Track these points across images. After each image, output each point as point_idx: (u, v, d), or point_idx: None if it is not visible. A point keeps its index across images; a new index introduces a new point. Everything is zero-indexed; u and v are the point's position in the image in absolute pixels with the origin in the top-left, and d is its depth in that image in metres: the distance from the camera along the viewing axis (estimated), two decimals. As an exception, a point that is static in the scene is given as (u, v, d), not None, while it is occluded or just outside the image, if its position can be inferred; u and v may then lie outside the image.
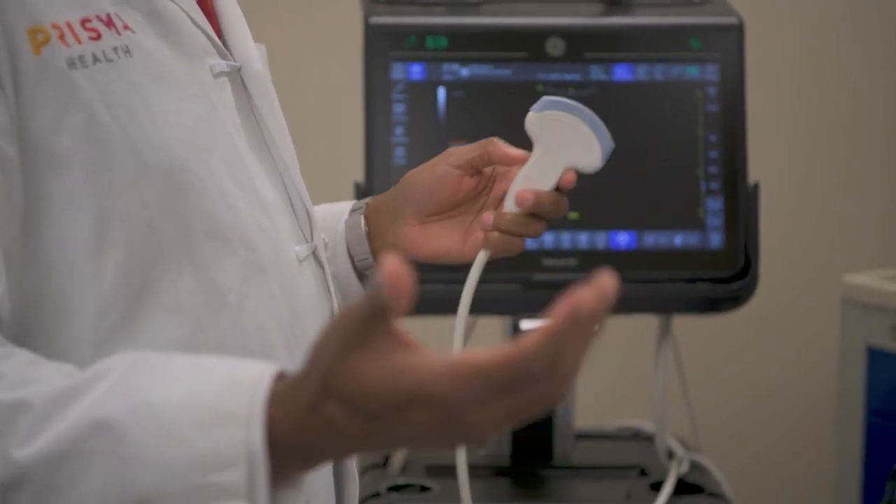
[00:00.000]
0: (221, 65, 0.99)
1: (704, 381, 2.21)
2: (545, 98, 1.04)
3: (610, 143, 1.04)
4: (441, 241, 1.10)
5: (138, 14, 0.94)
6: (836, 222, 2.56)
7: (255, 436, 0.73)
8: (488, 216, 1.08)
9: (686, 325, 1.90)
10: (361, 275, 1.14)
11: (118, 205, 0.90)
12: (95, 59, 0.91)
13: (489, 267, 1.59)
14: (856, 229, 2.56)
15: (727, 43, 1.61)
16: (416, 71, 1.60)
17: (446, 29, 1.59)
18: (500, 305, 1.63)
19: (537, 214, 1.07)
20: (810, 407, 2.54)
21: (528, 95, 1.60)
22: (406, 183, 1.13)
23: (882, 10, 2.55)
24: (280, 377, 0.75)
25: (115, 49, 0.92)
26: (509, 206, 1.06)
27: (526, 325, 1.64)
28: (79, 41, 0.90)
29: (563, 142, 1.03)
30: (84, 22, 0.91)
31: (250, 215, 0.97)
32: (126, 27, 0.93)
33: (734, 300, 1.60)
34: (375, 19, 1.61)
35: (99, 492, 0.75)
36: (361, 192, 1.59)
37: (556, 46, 1.61)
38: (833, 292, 2.31)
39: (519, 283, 1.58)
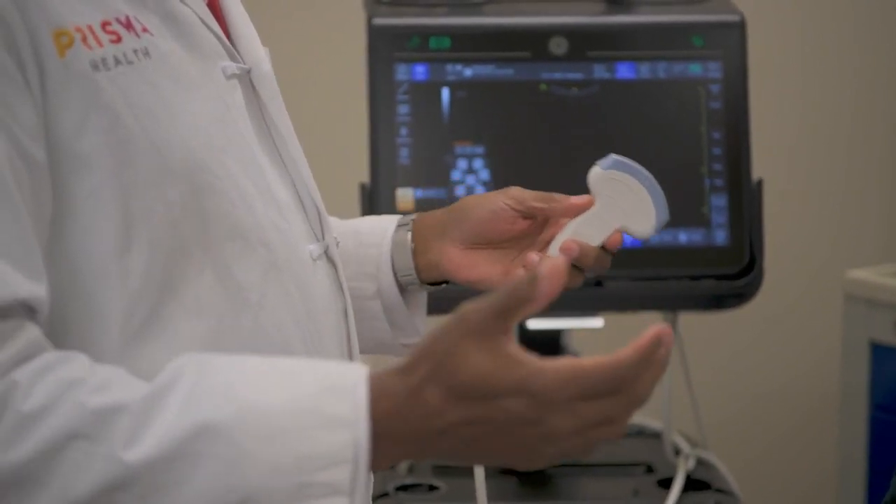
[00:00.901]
0: (232, 67, 1.00)
1: (709, 378, 2.21)
2: (613, 157, 1.07)
3: (666, 215, 1.07)
4: (483, 269, 1.11)
5: (155, 17, 0.95)
6: (838, 218, 2.56)
7: (361, 436, 0.78)
8: (533, 257, 1.09)
9: (690, 323, 1.90)
10: (403, 289, 1.15)
11: (141, 205, 0.90)
12: (117, 62, 0.91)
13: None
14: (858, 225, 2.57)
15: (729, 40, 1.62)
16: (420, 71, 1.60)
17: (449, 29, 1.60)
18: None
19: (579, 266, 1.08)
20: (814, 402, 2.54)
21: (531, 94, 1.61)
22: (461, 208, 1.13)
23: (884, 8, 2.56)
24: (372, 377, 0.80)
25: (134, 51, 0.92)
26: (554, 251, 1.08)
27: (533, 323, 1.65)
28: (100, 44, 0.91)
29: (622, 203, 1.05)
30: (104, 25, 0.91)
31: (266, 215, 0.98)
32: (144, 29, 0.93)
33: (739, 297, 1.61)
34: (378, 20, 1.61)
35: (204, 492, 0.78)
36: (366, 192, 1.59)
37: (559, 45, 1.61)
38: (836, 288, 2.32)
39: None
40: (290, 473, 0.78)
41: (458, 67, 1.60)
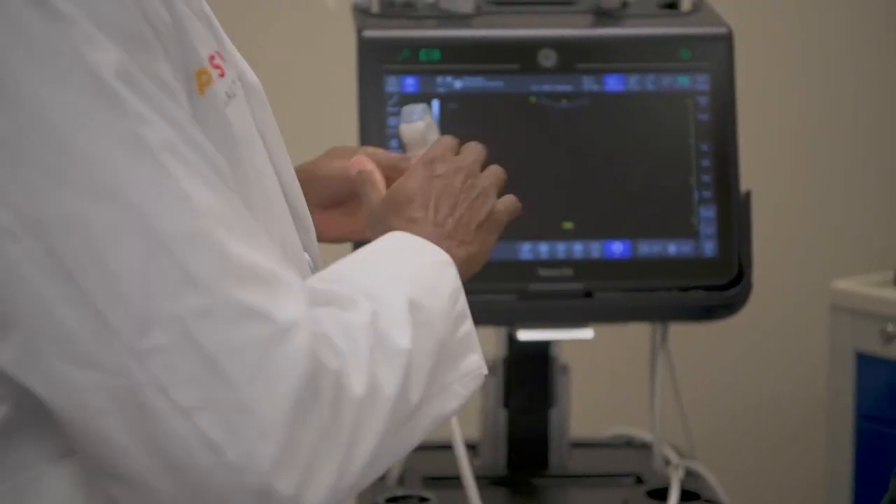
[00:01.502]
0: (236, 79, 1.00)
1: (695, 388, 2.22)
2: (410, 107, 1.17)
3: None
4: (341, 228, 1.23)
5: (216, 42, 0.94)
6: (824, 228, 2.58)
7: (454, 269, 1.01)
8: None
9: (679, 334, 1.91)
10: None
11: None
12: (228, 96, 0.92)
13: (485, 277, 1.60)
14: (844, 235, 2.58)
15: (717, 52, 1.63)
16: (410, 83, 1.61)
17: (439, 42, 1.60)
18: (495, 316, 1.64)
19: None
20: (802, 412, 2.55)
21: (521, 106, 1.61)
22: (314, 175, 1.22)
23: (872, 20, 2.57)
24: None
25: (233, 82, 0.93)
26: None
27: (523, 335, 1.65)
28: (213, 80, 0.91)
29: (432, 137, 1.16)
30: (211, 59, 0.92)
31: (292, 235, 1.01)
32: (225, 59, 0.93)
33: (728, 308, 1.61)
34: (368, 33, 1.62)
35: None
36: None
37: (547, 58, 1.62)
38: (822, 298, 2.33)
39: (515, 293, 1.59)
40: (449, 310, 0.96)
41: (448, 79, 1.61)
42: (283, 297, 0.84)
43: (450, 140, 1.10)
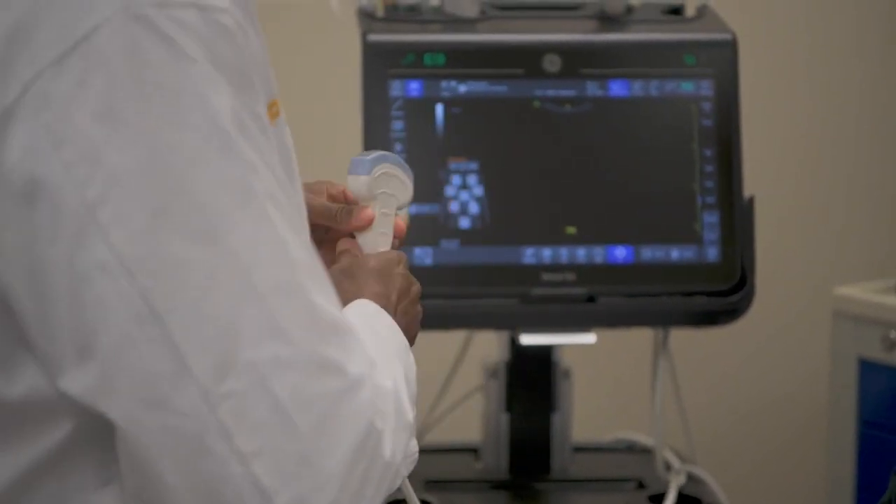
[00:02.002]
0: None
1: (698, 393, 2.22)
2: (359, 158, 1.11)
3: (412, 173, 1.13)
4: None
5: None
6: (827, 235, 2.58)
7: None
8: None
9: (680, 338, 1.91)
10: None
11: None
12: (283, 123, 0.91)
13: (488, 281, 1.60)
14: (847, 242, 2.58)
15: (721, 58, 1.63)
16: (414, 88, 1.61)
17: (444, 46, 1.61)
18: (498, 320, 1.64)
19: None
20: (804, 418, 2.55)
21: (525, 111, 1.62)
22: None
23: (875, 26, 2.57)
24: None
25: (279, 106, 0.92)
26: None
27: (526, 339, 1.65)
28: (279, 106, 0.90)
29: (390, 190, 1.11)
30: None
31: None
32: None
33: (731, 313, 1.62)
34: (373, 37, 1.62)
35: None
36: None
37: (552, 63, 1.62)
38: (825, 305, 2.33)
39: (517, 297, 1.59)
40: (413, 394, 0.96)
41: (453, 84, 1.61)
42: (354, 350, 0.86)
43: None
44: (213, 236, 0.81)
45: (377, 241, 1.09)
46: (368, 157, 1.10)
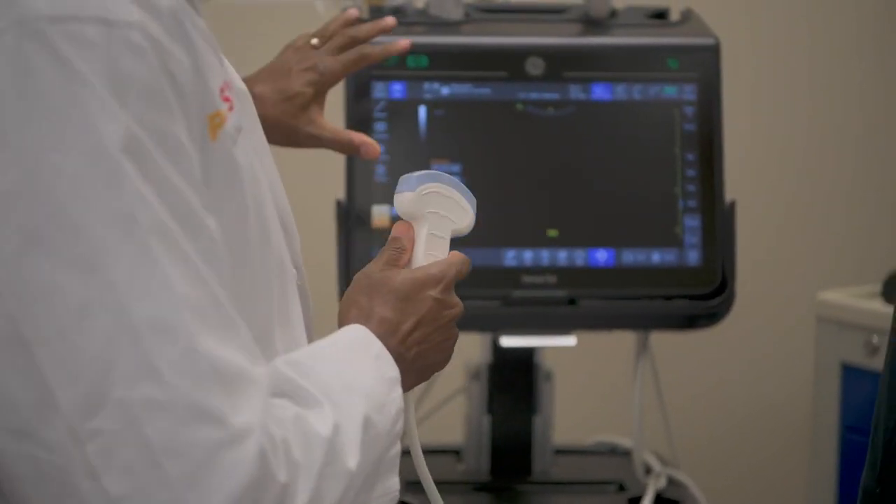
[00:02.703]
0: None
1: (682, 397, 2.23)
2: (408, 176, 1.04)
3: (473, 197, 1.07)
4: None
5: (222, 66, 0.90)
6: (810, 240, 2.58)
7: (401, 389, 0.97)
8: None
9: (663, 342, 1.91)
10: None
11: (249, 282, 0.89)
12: (237, 130, 0.89)
13: (469, 283, 1.60)
14: (830, 247, 2.59)
15: (704, 63, 1.63)
16: (398, 89, 1.61)
17: (427, 48, 1.61)
18: (480, 322, 1.64)
19: None
20: (786, 423, 2.56)
21: (508, 114, 1.62)
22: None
23: (858, 33, 2.58)
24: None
25: (238, 113, 0.89)
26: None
27: (507, 341, 1.66)
28: (226, 116, 0.87)
29: (442, 210, 1.05)
30: (222, 92, 0.88)
31: (282, 250, 0.98)
32: (233, 87, 0.90)
33: (711, 317, 1.62)
34: (357, 38, 1.62)
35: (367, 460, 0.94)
36: (343, 209, 1.60)
37: (535, 66, 1.63)
38: (808, 310, 2.33)
39: (499, 299, 1.60)
40: (390, 430, 0.95)
41: (436, 86, 1.61)
42: (242, 399, 0.81)
43: (465, 264, 1.05)
44: (90, 266, 0.78)
45: (431, 258, 1.03)
46: (416, 174, 1.04)
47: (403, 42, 1.43)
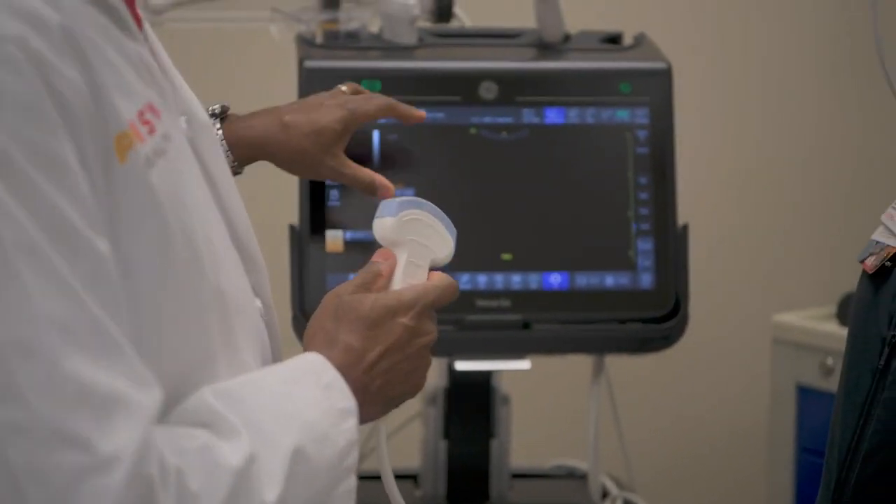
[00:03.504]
0: (182, 122, 0.95)
1: (638, 421, 2.23)
2: (388, 202, 1.03)
3: (454, 229, 1.05)
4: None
5: (152, 88, 0.89)
6: (766, 263, 2.60)
7: (356, 416, 0.95)
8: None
9: (619, 365, 1.92)
10: None
11: (174, 307, 0.86)
12: (157, 155, 0.86)
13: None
14: (786, 270, 2.60)
15: (656, 87, 1.64)
16: (351, 114, 1.61)
17: (381, 73, 1.61)
18: (435, 346, 1.63)
19: None
20: (743, 445, 2.57)
21: (461, 138, 1.62)
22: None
23: (809, 57, 2.60)
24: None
25: (162, 137, 0.87)
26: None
27: (461, 365, 1.65)
28: (143, 139, 0.85)
29: (422, 239, 1.03)
30: (141, 115, 0.86)
31: (238, 280, 0.96)
32: (159, 111, 0.88)
33: (664, 340, 1.62)
34: (310, 63, 1.62)
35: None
36: (296, 234, 1.59)
37: (489, 90, 1.63)
38: (764, 332, 2.35)
39: (453, 324, 1.59)
40: (337, 464, 0.92)
41: (389, 110, 1.61)
42: (114, 426, 0.78)
43: (447, 290, 1.02)
44: None
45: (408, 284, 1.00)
46: (396, 201, 1.02)
47: (422, 113, 1.51)
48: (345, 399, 0.94)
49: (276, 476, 0.86)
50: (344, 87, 1.48)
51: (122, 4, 0.89)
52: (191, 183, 0.91)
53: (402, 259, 1.02)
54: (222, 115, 1.42)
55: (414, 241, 1.02)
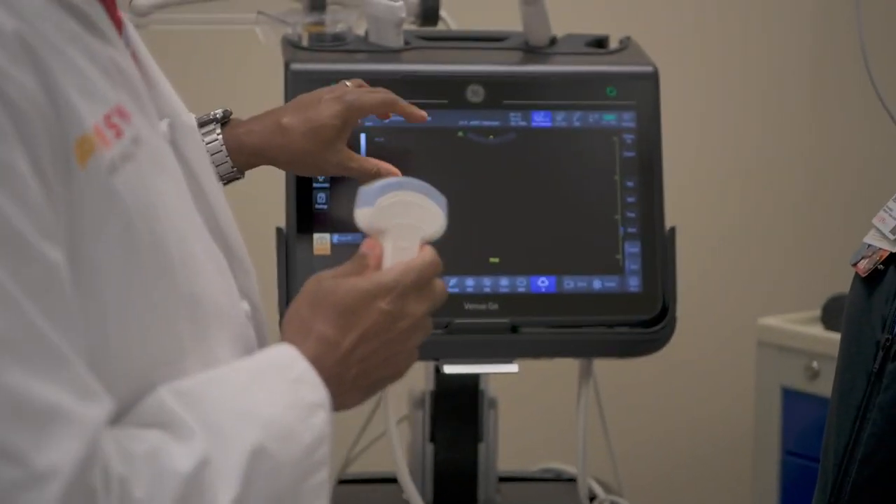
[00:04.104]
0: (164, 125, 0.96)
1: (625, 424, 2.23)
2: (365, 189, 0.99)
3: (443, 198, 1.02)
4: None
5: (125, 94, 0.89)
6: (751, 266, 2.60)
7: (328, 409, 0.93)
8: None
9: (606, 368, 1.92)
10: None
11: (142, 309, 0.86)
12: (123, 159, 0.86)
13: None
14: (771, 273, 2.61)
15: (643, 90, 1.64)
16: (338, 117, 1.60)
17: (367, 76, 1.61)
18: (422, 350, 1.62)
19: None
20: (729, 448, 2.57)
21: (448, 141, 1.62)
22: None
23: (796, 61, 2.61)
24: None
25: (131, 142, 0.87)
26: None
27: (449, 368, 1.65)
28: (108, 144, 0.84)
29: (409, 219, 0.99)
30: (107, 118, 0.85)
31: (220, 283, 0.96)
32: (129, 114, 0.87)
33: (652, 343, 1.62)
34: (297, 66, 1.62)
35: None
36: (283, 237, 1.59)
37: (475, 93, 1.63)
38: (749, 335, 2.35)
39: (440, 327, 1.59)
40: (303, 459, 0.91)
41: (376, 113, 1.61)
42: (52, 438, 0.77)
43: (429, 268, 0.98)
44: None
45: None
46: (374, 186, 0.98)
47: (423, 113, 1.52)
48: (314, 392, 0.92)
49: (232, 477, 0.85)
50: (349, 83, 1.48)
51: (97, 8, 0.88)
52: (165, 186, 0.90)
53: (388, 245, 0.98)
54: (224, 120, 1.41)
55: (398, 224, 0.98)
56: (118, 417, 0.84)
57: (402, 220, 0.99)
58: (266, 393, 0.90)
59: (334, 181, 1.59)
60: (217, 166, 1.41)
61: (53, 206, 0.81)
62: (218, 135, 1.39)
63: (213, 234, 1.00)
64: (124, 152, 0.86)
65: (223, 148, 1.39)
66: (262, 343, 1.03)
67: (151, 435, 0.84)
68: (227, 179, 1.45)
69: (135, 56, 0.98)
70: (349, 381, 0.96)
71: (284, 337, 0.96)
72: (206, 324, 0.92)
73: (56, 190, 0.81)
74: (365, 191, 0.99)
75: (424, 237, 1.00)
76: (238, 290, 1.01)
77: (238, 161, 1.41)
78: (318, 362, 0.94)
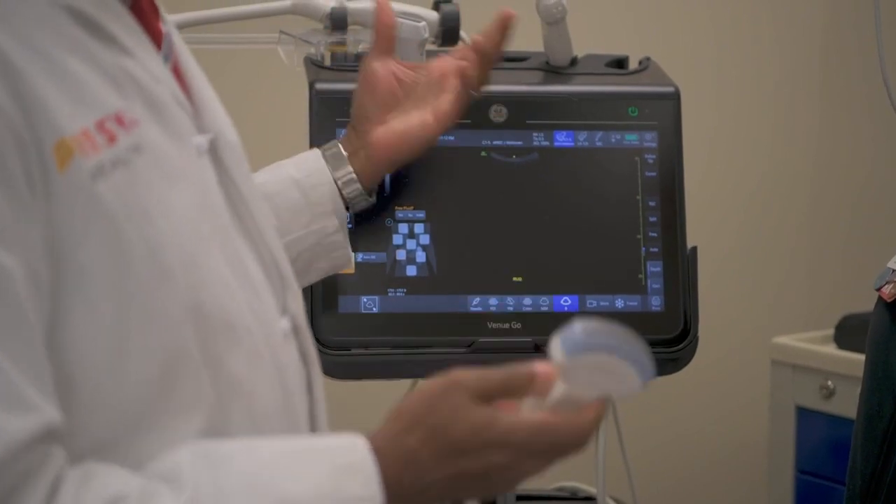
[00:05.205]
0: (202, 141, 0.97)
1: (641, 442, 2.23)
2: (576, 327, 0.89)
3: (652, 371, 0.90)
4: (406, 122, 1.38)
5: (138, 103, 0.90)
6: (766, 286, 2.61)
7: None
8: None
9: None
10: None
11: (139, 313, 0.86)
12: (114, 165, 0.87)
13: (434, 331, 1.60)
14: (785, 293, 2.62)
15: (664, 111, 1.65)
16: (362, 136, 1.61)
17: (391, 95, 1.61)
18: (445, 368, 1.64)
19: None
20: (744, 466, 2.58)
21: (472, 160, 1.63)
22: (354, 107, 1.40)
23: (816, 79, 2.62)
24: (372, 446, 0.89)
25: (128, 149, 0.87)
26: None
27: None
28: (97, 148, 0.85)
29: (599, 380, 0.89)
30: (99, 125, 0.86)
31: (245, 299, 0.96)
32: (133, 122, 0.89)
33: (674, 362, 1.63)
34: (321, 85, 1.63)
35: None
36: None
37: (498, 113, 1.64)
38: (763, 354, 2.36)
39: (464, 346, 1.60)
40: None
41: (400, 133, 1.61)
42: None
43: (581, 437, 0.90)
44: None
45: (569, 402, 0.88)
46: (584, 331, 0.87)
47: (392, 20, 1.54)
48: (365, 487, 0.85)
49: None
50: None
51: (121, 19, 0.90)
52: (171, 195, 0.90)
53: (557, 391, 0.88)
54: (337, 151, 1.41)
55: (584, 379, 0.88)
56: (50, 437, 0.83)
57: (594, 390, 0.89)
58: (301, 474, 0.86)
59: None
60: (352, 198, 1.42)
61: (22, 212, 0.81)
62: (349, 168, 1.40)
63: (255, 250, 1.00)
64: (117, 158, 0.86)
65: (353, 175, 1.41)
66: (306, 364, 1.03)
67: (141, 482, 0.83)
68: (359, 207, 1.45)
69: (177, 69, 0.98)
70: (418, 495, 0.89)
71: (385, 423, 0.91)
72: (212, 334, 0.92)
73: (28, 195, 0.81)
74: (573, 329, 0.89)
75: (606, 396, 0.91)
76: (278, 307, 1.01)
77: (375, 175, 1.42)
78: (391, 468, 0.88)
